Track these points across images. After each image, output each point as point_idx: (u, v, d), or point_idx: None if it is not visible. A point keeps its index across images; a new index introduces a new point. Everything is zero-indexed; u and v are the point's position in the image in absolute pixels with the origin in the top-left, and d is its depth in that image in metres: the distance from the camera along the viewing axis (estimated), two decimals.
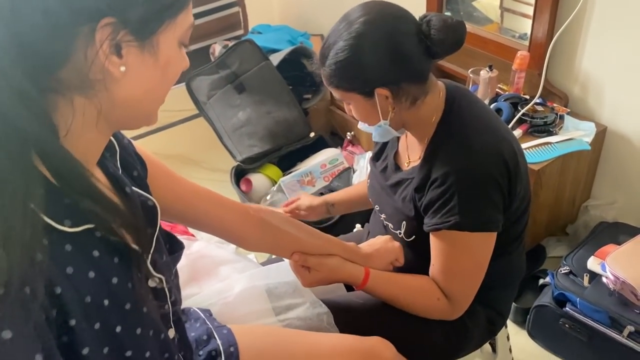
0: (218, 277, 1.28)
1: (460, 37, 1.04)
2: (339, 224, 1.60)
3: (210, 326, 1.06)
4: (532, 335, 1.83)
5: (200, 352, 1.01)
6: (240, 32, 2.93)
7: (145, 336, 0.72)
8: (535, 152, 1.79)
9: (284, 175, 2.33)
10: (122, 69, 0.63)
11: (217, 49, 2.66)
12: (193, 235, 1.57)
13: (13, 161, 0.57)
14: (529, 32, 1.93)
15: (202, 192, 1.04)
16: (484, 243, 1.09)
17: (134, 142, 0.89)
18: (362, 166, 2.22)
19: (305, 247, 1.13)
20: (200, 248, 1.35)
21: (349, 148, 2.50)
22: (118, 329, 0.68)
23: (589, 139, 1.82)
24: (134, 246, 0.70)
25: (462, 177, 1.04)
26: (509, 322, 1.72)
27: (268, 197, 2.25)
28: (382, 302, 1.19)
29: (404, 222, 1.18)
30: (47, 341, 0.58)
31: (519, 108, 1.88)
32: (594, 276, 1.65)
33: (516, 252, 1.23)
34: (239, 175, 2.37)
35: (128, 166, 0.82)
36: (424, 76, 1.07)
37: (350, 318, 1.20)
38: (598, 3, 1.75)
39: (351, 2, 1.07)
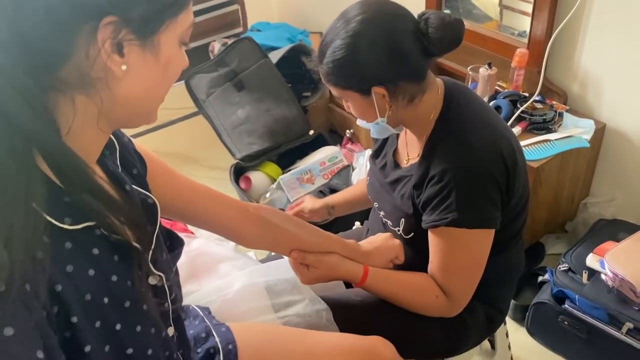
0: (217, 275, 1.28)
1: (458, 35, 1.03)
2: (338, 221, 1.60)
3: (209, 324, 1.06)
4: (531, 332, 1.83)
5: (199, 350, 1.01)
6: (240, 29, 2.93)
7: (146, 334, 0.72)
8: (534, 149, 1.79)
9: (283, 173, 2.33)
10: (124, 67, 0.63)
11: (217, 46, 2.66)
12: (192, 233, 1.57)
13: (16, 159, 0.57)
14: (528, 30, 1.93)
15: (202, 190, 1.04)
16: (482, 240, 1.09)
17: (134, 140, 0.89)
18: (362, 164, 2.23)
19: (304, 244, 1.13)
20: (199, 245, 1.35)
21: (348, 146, 2.50)
22: (118, 326, 0.68)
23: (588, 137, 1.82)
24: (135, 244, 0.70)
25: (460, 174, 1.04)
26: (508, 319, 1.73)
27: (267, 195, 2.26)
28: (380, 300, 1.20)
29: (403, 220, 1.18)
30: (48, 338, 0.58)
31: (518, 105, 1.89)
32: (593, 273, 1.66)
33: (515, 249, 1.23)
34: (238, 173, 2.37)
35: (128, 164, 0.82)
36: (421, 75, 1.07)
37: (349, 315, 1.20)
38: (597, 0, 1.75)
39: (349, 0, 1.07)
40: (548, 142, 1.81)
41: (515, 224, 1.17)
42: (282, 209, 2.12)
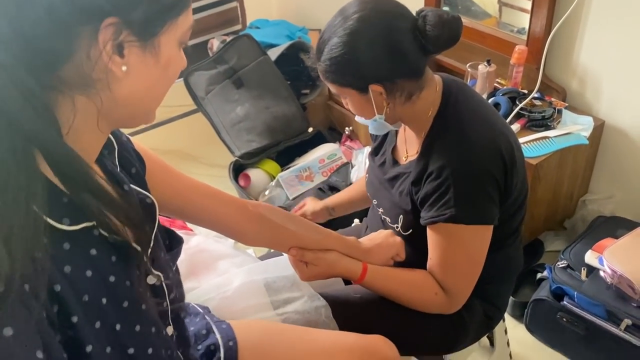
0: (217, 272, 1.28)
1: (455, 33, 1.03)
2: (337, 218, 1.61)
3: (210, 321, 1.06)
4: (530, 329, 1.84)
5: (199, 347, 1.01)
6: (238, 27, 2.92)
7: (146, 333, 0.73)
8: (533, 146, 1.79)
9: (282, 171, 2.33)
10: (124, 68, 0.63)
11: (215, 44, 2.65)
12: (191, 230, 1.57)
13: (17, 159, 0.57)
14: (527, 27, 1.93)
15: (201, 188, 1.04)
16: (480, 236, 1.10)
17: (132, 138, 0.89)
18: (361, 161, 2.23)
19: (304, 242, 1.13)
20: (198, 242, 1.36)
21: (347, 143, 2.50)
22: (118, 326, 0.68)
23: (587, 133, 1.82)
24: (133, 244, 0.70)
25: (458, 171, 1.04)
26: (506, 316, 1.73)
27: (266, 193, 2.26)
28: (379, 296, 1.20)
29: (401, 216, 1.18)
30: (48, 338, 0.58)
31: (517, 102, 1.88)
32: (592, 270, 1.66)
33: (513, 246, 1.23)
34: (238, 170, 2.37)
35: (126, 163, 0.82)
36: (419, 72, 1.07)
37: (348, 312, 1.20)
38: None
39: None
40: (547, 139, 1.81)
41: (513, 221, 1.17)
42: (282, 207, 2.12)
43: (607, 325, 1.60)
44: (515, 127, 1.84)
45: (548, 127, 1.85)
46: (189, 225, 1.57)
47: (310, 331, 1.11)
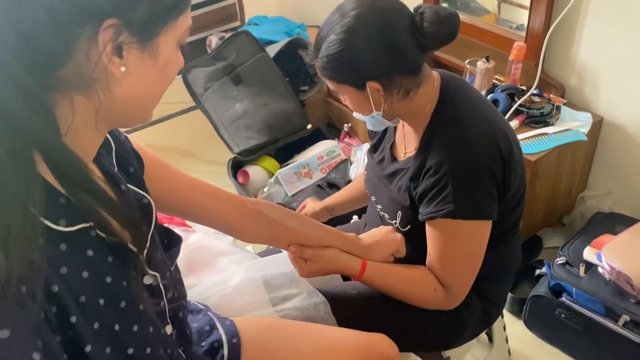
0: (216, 269, 1.28)
1: (452, 29, 1.03)
2: (336, 215, 1.61)
3: (213, 317, 1.06)
4: (529, 325, 1.84)
5: (203, 343, 1.01)
6: (237, 23, 2.92)
7: (144, 333, 0.73)
8: (532, 142, 1.79)
9: (281, 167, 2.33)
10: (123, 69, 0.63)
11: (214, 40, 2.65)
12: (190, 227, 1.57)
13: (15, 160, 0.57)
14: (525, 23, 1.93)
15: (199, 185, 1.04)
16: (478, 231, 1.10)
17: (130, 135, 0.89)
18: (359, 158, 2.22)
19: (303, 238, 1.13)
20: (197, 239, 1.36)
21: (346, 140, 2.50)
22: (116, 327, 0.68)
23: (586, 130, 1.83)
24: (130, 245, 0.70)
25: (456, 166, 1.04)
26: (505, 312, 1.73)
27: (265, 189, 2.26)
28: (378, 292, 1.20)
29: (400, 212, 1.18)
30: (46, 339, 0.58)
31: (516, 99, 1.88)
32: (590, 266, 1.66)
33: (512, 243, 1.23)
34: (236, 167, 2.37)
35: (124, 163, 0.82)
36: (416, 69, 1.07)
37: (347, 308, 1.20)
38: None
39: None
40: (545, 136, 1.81)
41: (512, 217, 1.18)
42: (281, 203, 2.12)
43: (606, 322, 1.60)
44: (514, 123, 1.84)
45: (547, 124, 1.85)
46: (188, 222, 1.57)
47: (312, 327, 1.11)
